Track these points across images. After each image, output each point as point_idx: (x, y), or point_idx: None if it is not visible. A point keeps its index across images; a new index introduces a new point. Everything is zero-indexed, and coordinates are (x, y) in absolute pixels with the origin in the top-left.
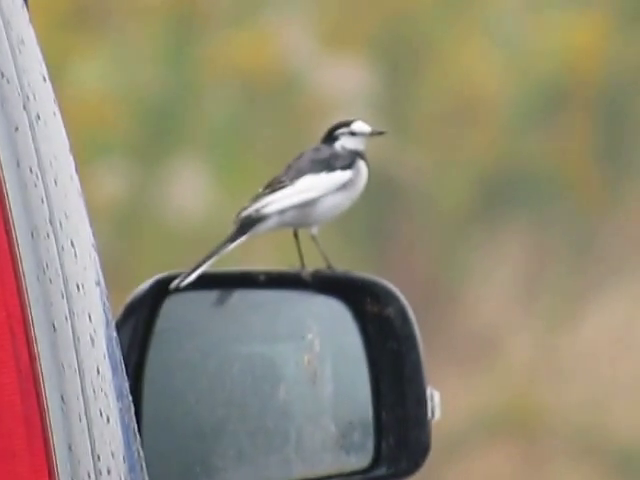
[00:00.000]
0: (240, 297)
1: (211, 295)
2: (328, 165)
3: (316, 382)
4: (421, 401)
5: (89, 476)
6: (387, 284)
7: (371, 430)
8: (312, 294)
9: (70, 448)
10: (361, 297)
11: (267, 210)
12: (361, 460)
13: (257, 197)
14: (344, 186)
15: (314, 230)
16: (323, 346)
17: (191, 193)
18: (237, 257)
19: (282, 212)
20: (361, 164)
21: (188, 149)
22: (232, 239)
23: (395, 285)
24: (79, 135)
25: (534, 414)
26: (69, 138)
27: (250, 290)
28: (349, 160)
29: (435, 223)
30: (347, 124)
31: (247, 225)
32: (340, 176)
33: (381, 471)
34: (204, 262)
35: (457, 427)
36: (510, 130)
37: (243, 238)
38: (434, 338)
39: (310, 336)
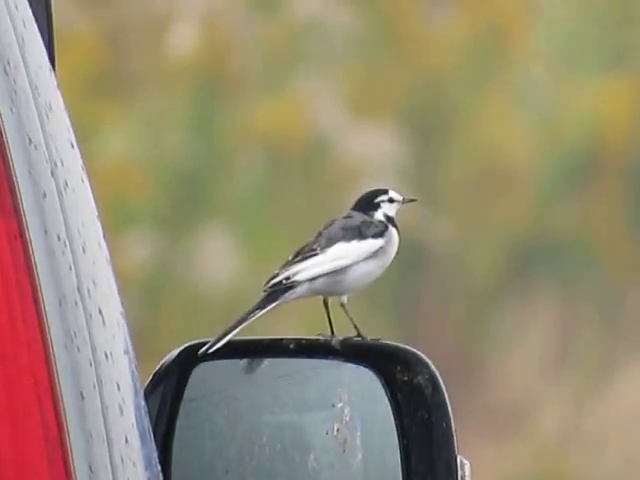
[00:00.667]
0: (269, 365)
1: (240, 363)
2: (360, 233)
3: (346, 451)
4: (451, 470)
5: None
6: (417, 352)
7: None
8: (342, 362)
9: None
10: (391, 365)
11: (298, 278)
12: None
13: (287, 265)
14: (376, 254)
15: (344, 298)
16: (353, 414)
17: (219, 261)
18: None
19: (313, 280)
20: (393, 231)
21: (216, 217)
22: (261, 306)
23: (424, 353)
24: (106, 203)
25: None
26: (97, 205)
27: (279, 358)
28: (381, 228)
29: (464, 291)
30: (385, 192)
31: (277, 292)
32: (372, 244)
33: None
34: (233, 329)
35: None
36: (539, 198)
37: (273, 305)
38: (464, 407)
39: (340, 404)
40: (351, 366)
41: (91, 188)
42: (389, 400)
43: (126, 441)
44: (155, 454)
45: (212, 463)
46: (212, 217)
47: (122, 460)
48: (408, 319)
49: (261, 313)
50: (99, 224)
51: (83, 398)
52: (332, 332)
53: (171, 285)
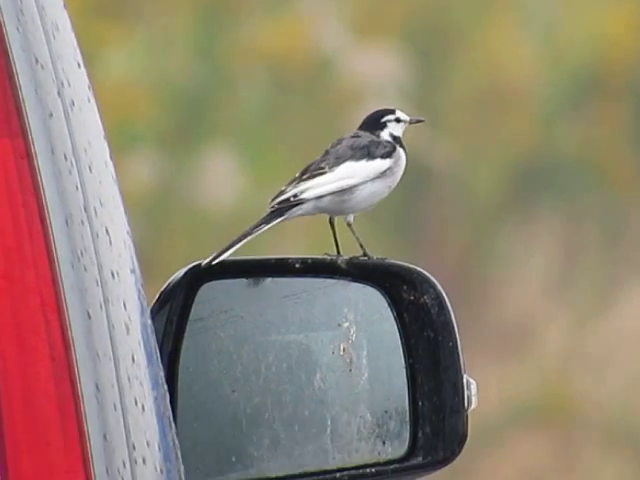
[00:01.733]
0: (275, 285)
1: (246, 283)
2: (368, 153)
3: (352, 370)
4: (457, 390)
5: (124, 465)
6: (423, 271)
7: (407, 419)
8: (348, 282)
9: (105, 437)
10: (397, 284)
11: (305, 195)
12: (397, 449)
13: (295, 182)
14: (384, 174)
15: (350, 218)
16: (359, 334)
17: (222, 181)
18: (269, 244)
19: (320, 198)
20: (401, 152)
21: (220, 137)
22: (267, 221)
23: (429, 273)
24: (109, 124)
25: (568, 402)
26: (103, 125)
27: (286, 278)
28: (390, 148)
29: (468, 211)
30: (392, 112)
31: (283, 208)
32: (380, 164)
33: (417, 460)
34: (237, 242)
35: (492, 415)
36: (543, 118)
37: (278, 220)
38: (467, 327)
39: (346, 324)
40: (357, 285)
41: (97, 108)
42: (395, 320)
43: (133, 360)
44: (162, 373)
45: (218, 382)
46: (215, 138)
47: (129, 379)
48: (412, 240)
49: (266, 227)
50: (106, 144)
51: (90, 317)
52: (338, 252)
53: (175, 205)
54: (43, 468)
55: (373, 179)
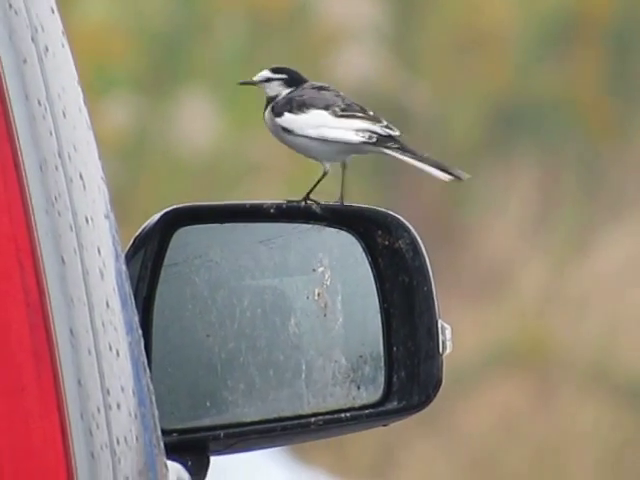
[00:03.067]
0: (250, 230)
1: (221, 228)
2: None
3: (327, 315)
4: (432, 334)
5: (98, 410)
6: (398, 216)
7: (382, 364)
8: (322, 227)
9: (79, 382)
10: (372, 229)
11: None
12: (372, 394)
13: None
14: None
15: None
16: (334, 279)
17: (198, 125)
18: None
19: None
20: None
21: (197, 80)
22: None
23: (404, 218)
24: (86, 68)
25: (545, 345)
26: (77, 70)
27: (260, 223)
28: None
29: (444, 154)
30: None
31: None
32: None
33: (392, 405)
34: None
35: (468, 360)
36: (520, 61)
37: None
38: (444, 272)
39: (321, 269)
40: (332, 230)
41: (71, 53)
42: (370, 264)
43: (107, 305)
44: (136, 318)
45: (193, 327)
46: (192, 81)
47: (103, 324)
48: (388, 183)
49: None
50: (80, 89)
51: (64, 263)
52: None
53: (151, 149)
54: (17, 413)
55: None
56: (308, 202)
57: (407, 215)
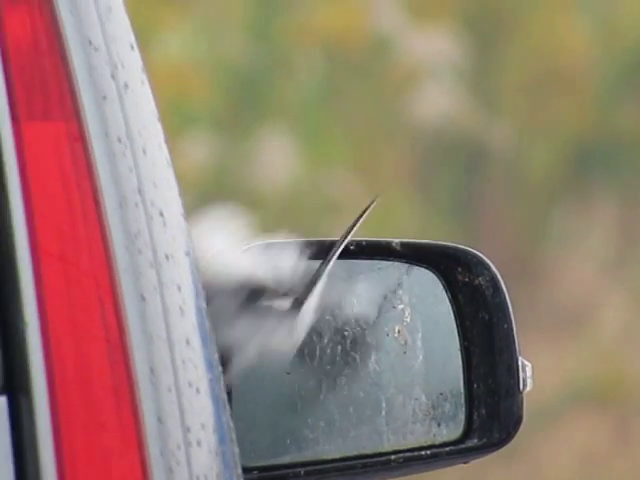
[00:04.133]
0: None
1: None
2: None
3: (407, 352)
4: (513, 372)
5: (179, 448)
6: (478, 253)
7: (462, 401)
8: (402, 264)
9: (160, 420)
10: (452, 266)
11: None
12: (453, 431)
13: None
14: None
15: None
16: (414, 316)
17: (278, 163)
18: (319, 225)
19: None
20: None
21: (275, 119)
22: None
23: (484, 255)
24: (165, 106)
25: (624, 385)
26: (157, 107)
27: (340, 260)
28: None
29: (523, 193)
30: None
31: None
32: None
33: (473, 442)
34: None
35: (546, 398)
36: (598, 99)
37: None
38: (523, 309)
39: (401, 306)
40: (412, 267)
41: (151, 90)
42: (450, 302)
43: (187, 343)
44: (216, 355)
45: (273, 364)
46: (271, 119)
47: (183, 362)
48: (468, 222)
49: None
50: (159, 126)
51: (144, 300)
52: None
53: (230, 188)
54: (97, 450)
55: None
56: (388, 239)
57: (486, 252)
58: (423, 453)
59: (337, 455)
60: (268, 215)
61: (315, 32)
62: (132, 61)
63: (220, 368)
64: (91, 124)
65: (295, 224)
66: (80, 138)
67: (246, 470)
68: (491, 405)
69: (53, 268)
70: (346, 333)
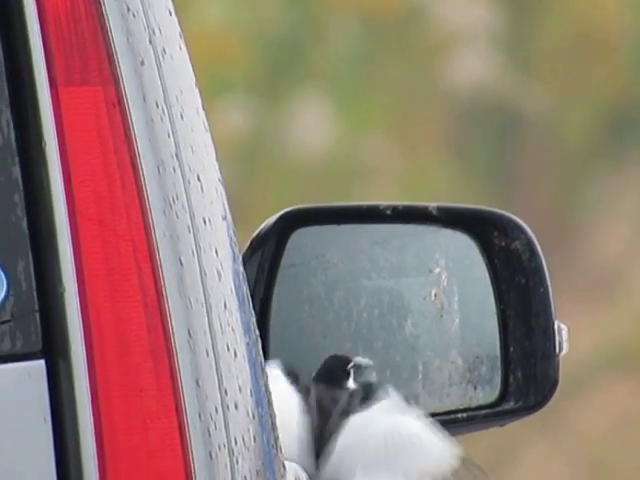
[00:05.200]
0: (366, 231)
1: (337, 229)
2: None
3: (443, 316)
4: (549, 335)
5: (216, 411)
6: (514, 217)
7: (499, 364)
8: (439, 228)
9: (197, 383)
10: (488, 231)
11: None
12: (489, 394)
13: None
14: None
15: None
16: (450, 280)
17: (314, 127)
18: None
19: None
20: None
21: (310, 83)
22: None
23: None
24: (202, 71)
25: None
26: (194, 72)
27: (377, 224)
28: None
29: (559, 158)
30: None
31: None
32: None
33: (509, 405)
34: None
35: (581, 362)
36: (633, 63)
37: None
38: (558, 272)
39: (437, 270)
40: (448, 232)
41: (188, 56)
42: (486, 265)
43: (225, 306)
44: (253, 319)
45: (310, 328)
46: (307, 84)
47: (221, 325)
48: (503, 187)
49: None
50: (197, 91)
51: (182, 264)
52: None
53: (267, 152)
54: (136, 414)
55: None
56: (424, 204)
57: (521, 216)
58: (459, 416)
59: None
60: (304, 179)
61: None
62: (169, 27)
63: (257, 332)
64: (129, 89)
65: (330, 189)
66: (118, 103)
67: None
68: (527, 368)
69: (91, 233)
70: (383, 297)
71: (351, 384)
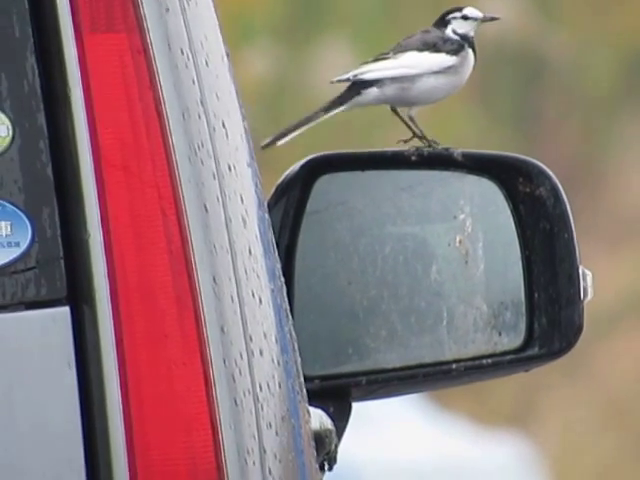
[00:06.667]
0: (391, 177)
1: (362, 176)
2: (434, 46)
3: (468, 262)
4: (573, 281)
5: (241, 357)
6: (538, 163)
7: (523, 310)
8: (464, 174)
9: (222, 329)
10: (513, 177)
11: (365, 77)
12: (513, 340)
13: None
14: (447, 70)
15: (412, 111)
16: (475, 226)
17: (339, 73)
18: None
19: (380, 83)
20: (469, 52)
21: (336, 30)
22: (327, 109)
23: (545, 165)
24: (226, 18)
25: None
26: (219, 19)
27: (401, 170)
28: (456, 46)
29: (583, 102)
30: (459, 9)
31: (345, 97)
32: (444, 59)
33: (534, 351)
34: (295, 128)
35: (605, 307)
36: None
37: (340, 109)
38: (583, 218)
39: (462, 216)
40: (473, 178)
41: (213, 2)
42: (511, 212)
43: (249, 253)
44: (278, 266)
45: (335, 274)
46: (332, 30)
47: (245, 272)
48: (528, 132)
49: (326, 116)
50: (221, 38)
51: (207, 210)
52: (414, 134)
53: (291, 98)
54: (161, 360)
55: (436, 73)
56: (450, 149)
57: (546, 162)
58: (484, 362)
59: (398, 364)
60: (327, 126)
61: None
62: None
63: (282, 278)
64: (154, 36)
65: (353, 134)
66: (143, 50)
67: (308, 379)
68: (552, 314)
69: (116, 179)
70: (407, 243)
71: (447, 32)
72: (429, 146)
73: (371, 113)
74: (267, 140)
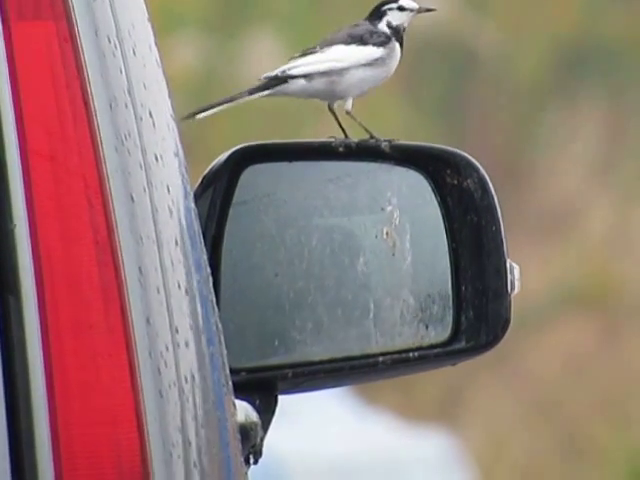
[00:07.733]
0: (319, 168)
1: (289, 166)
2: (361, 40)
3: (395, 254)
4: (501, 274)
5: (167, 349)
6: (466, 155)
7: (450, 303)
8: (391, 165)
9: (148, 321)
10: (440, 168)
11: (293, 72)
12: (440, 333)
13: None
14: (375, 62)
15: (348, 105)
16: (402, 218)
17: (266, 65)
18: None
19: (308, 77)
20: (396, 45)
21: (263, 21)
22: (252, 92)
23: (473, 158)
24: (155, 7)
25: (609, 287)
26: (147, 7)
27: (329, 161)
28: (383, 38)
29: (512, 95)
30: (395, 0)
31: (269, 85)
32: (371, 51)
33: (460, 344)
34: (218, 104)
35: (533, 301)
36: (587, 2)
37: (263, 93)
38: (511, 211)
39: (389, 208)
40: (401, 169)
41: None
42: (438, 204)
43: (176, 243)
44: (205, 256)
45: (261, 266)
46: (260, 21)
47: (172, 262)
48: (456, 124)
49: (250, 98)
50: (150, 27)
51: (133, 200)
52: (345, 135)
53: (219, 89)
54: (86, 351)
55: (364, 65)
56: (377, 141)
57: (474, 155)
58: (411, 355)
59: (325, 357)
60: (256, 116)
61: None
62: None
63: (209, 270)
64: (81, 24)
65: (283, 125)
66: (70, 38)
67: (234, 371)
68: (479, 307)
69: (42, 168)
70: (335, 235)
71: (381, 25)
72: (371, 138)
73: (305, 103)
74: (186, 115)
